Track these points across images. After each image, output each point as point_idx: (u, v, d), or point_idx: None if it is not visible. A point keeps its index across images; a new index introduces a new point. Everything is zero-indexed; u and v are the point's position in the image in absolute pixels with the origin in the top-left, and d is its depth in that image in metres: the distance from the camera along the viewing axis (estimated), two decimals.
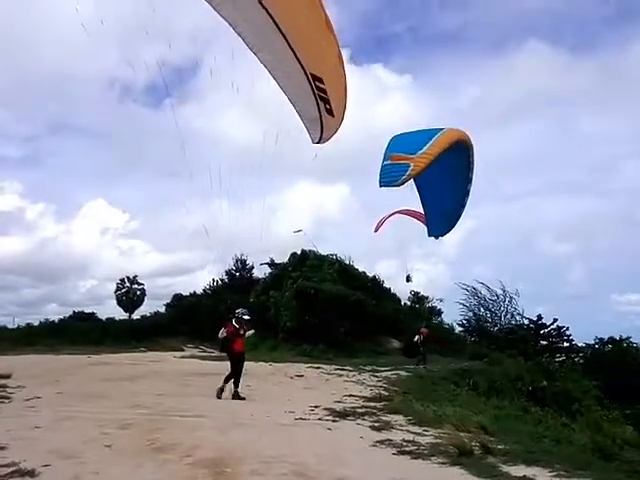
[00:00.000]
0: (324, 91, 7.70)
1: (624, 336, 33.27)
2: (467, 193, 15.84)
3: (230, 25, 6.98)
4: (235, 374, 12.57)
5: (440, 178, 14.71)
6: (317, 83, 7.57)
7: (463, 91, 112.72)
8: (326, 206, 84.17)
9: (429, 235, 17.33)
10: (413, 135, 13.97)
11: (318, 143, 8.95)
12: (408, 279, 22.96)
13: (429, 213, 16.79)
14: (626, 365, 28.97)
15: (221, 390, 12.35)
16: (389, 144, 13.64)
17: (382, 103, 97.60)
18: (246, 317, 12.87)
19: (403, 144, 13.38)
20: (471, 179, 15.54)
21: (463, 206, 16.25)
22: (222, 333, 12.83)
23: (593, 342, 34.29)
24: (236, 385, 12.51)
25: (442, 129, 13.88)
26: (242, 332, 12.73)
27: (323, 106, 7.92)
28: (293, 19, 6.99)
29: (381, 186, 12.86)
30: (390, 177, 12.70)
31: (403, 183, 12.69)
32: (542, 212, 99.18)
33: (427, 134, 13.47)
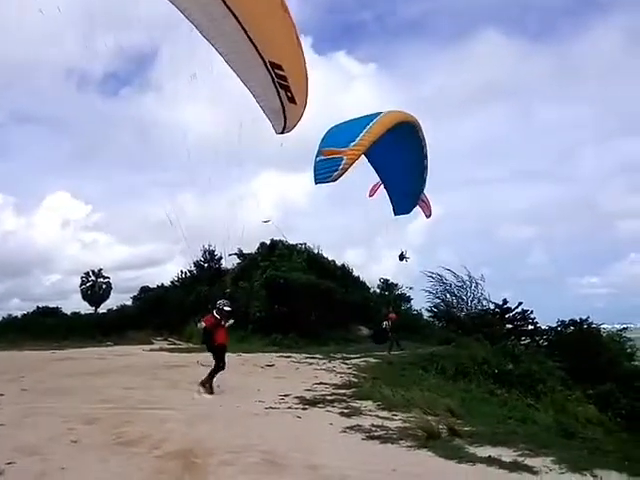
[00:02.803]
0: (284, 78, 7.52)
1: (584, 318, 34.13)
2: (425, 168, 16.03)
3: (184, 14, 6.79)
4: (218, 367, 12.19)
5: (395, 159, 14.84)
6: (276, 70, 7.39)
7: (427, 79, 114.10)
8: (293, 196, 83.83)
9: (395, 215, 17.46)
10: (347, 126, 13.83)
11: (282, 133, 8.81)
12: (402, 257, 22.56)
13: (392, 194, 16.93)
14: (587, 346, 29.76)
15: (210, 387, 12.02)
16: (323, 137, 13.51)
17: (346, 91, 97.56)
18: (227, 308, 12.44)
19: (335, 137, 13.28)
20: (426, 155, 15.72)
21: (424, 182, 16.48)
22: (201, 325, 12.53)
23: (556, 325, 35.07)
24: (211, 377, 12.12)
25: (379, 114, 13.81)
26: (223, 323, 12.34)
27: (284, 94, 7.75)
28: (246, 3, 6.78)
29: (316, 183, 12.81)
30: (324, 173, 12.63)
31: (337, 178, 12.56)
32: (504, 198, 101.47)
33: (361, 123, 13.37)
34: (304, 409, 10.29)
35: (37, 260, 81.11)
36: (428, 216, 22.49)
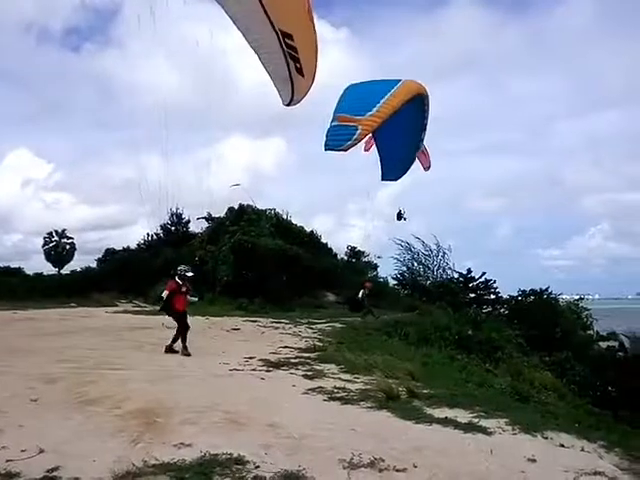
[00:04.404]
0: (294, 49, 7.35)
1: (544, 288, 35.08)
2: (422, 139, 15.97)
3: None
4: (180, 333, 12.05)
5: (397, 127, 14.45)
6: (287, 40, 7.22)
7: (400, 47, 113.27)
8: (263, 161, 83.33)
9: (382, 179, 17.38)
10: (365, 90, 13.45)
11: (288, 105, 8.65)
12: (400, 216, 22.27)
13: (384, 159, 16.76)
14: (545, 315, 30.72)
15: (172, 349, 12.07)
16: (341, 98, 13.15)
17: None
18: (189, 274, 12.26)
19: (353, 102, 12.85)
20: (426, 126, 15.60)
21: (417, 150, 16.44)
22: (165, 293, 12.21)
23: (517, 294, 36.04)
24: (174, 341, 12.09)
25: (398, 82, 13.47)
26: (184, 290, 12.16)
27: (293, 65, 7.58)
28: None
29: (326, 149, 12.36)
30: (336, 141, 12.24)
31: (348, 148, 12.23)
32: (473, 170, 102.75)
33: (381, 89, 12.98)
34: (268, 371, 10.39)
35: None
36: (427, 168, 22.29)
